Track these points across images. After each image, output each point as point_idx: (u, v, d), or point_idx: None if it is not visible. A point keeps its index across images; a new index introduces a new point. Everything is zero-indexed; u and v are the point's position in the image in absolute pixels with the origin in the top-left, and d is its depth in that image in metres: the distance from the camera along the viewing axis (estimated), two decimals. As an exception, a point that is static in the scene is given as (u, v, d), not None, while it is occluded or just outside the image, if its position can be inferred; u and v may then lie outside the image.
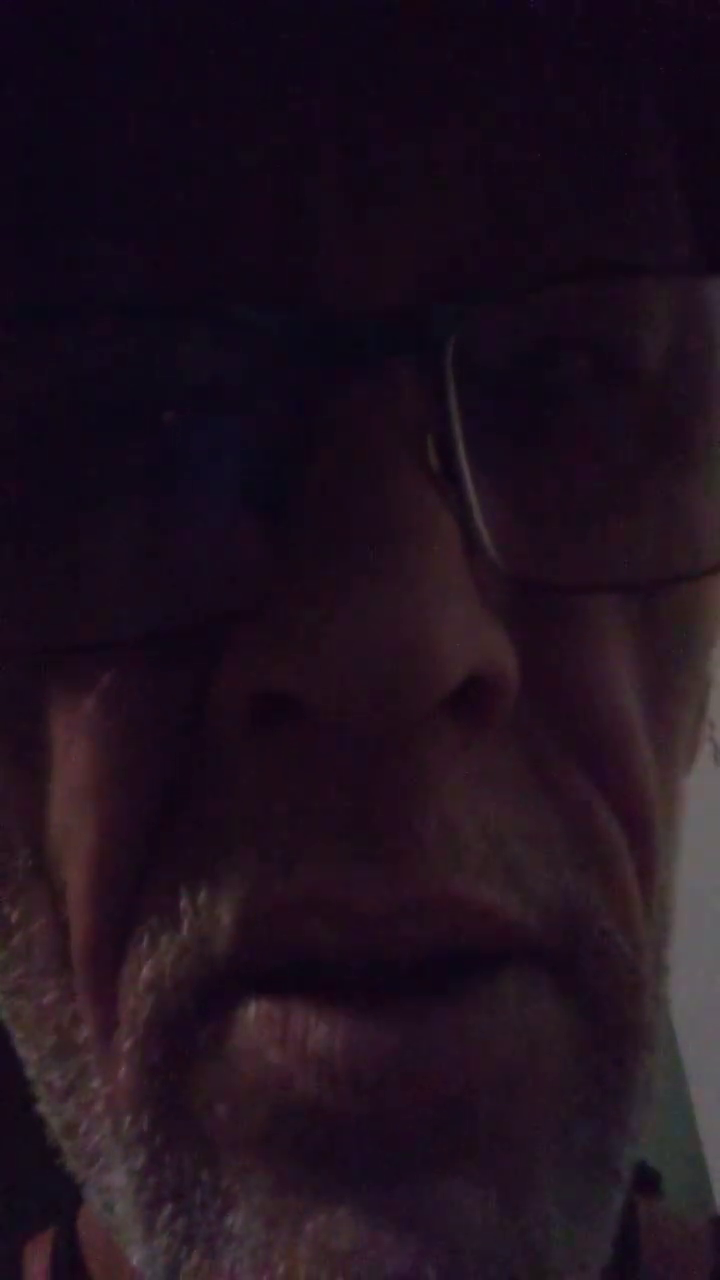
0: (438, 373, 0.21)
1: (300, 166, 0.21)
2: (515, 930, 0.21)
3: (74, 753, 0.22)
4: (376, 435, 0.21)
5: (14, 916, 0.23)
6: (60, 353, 0.22)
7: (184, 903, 0.21)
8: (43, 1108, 0.24)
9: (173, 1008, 0.21)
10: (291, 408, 0.21)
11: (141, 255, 0.21)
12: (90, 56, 0.21)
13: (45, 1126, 0.25)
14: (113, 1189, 0.22)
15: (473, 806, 0.21)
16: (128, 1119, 0.22)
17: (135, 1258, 0.22)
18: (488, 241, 0.22)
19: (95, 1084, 0.22)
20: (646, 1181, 0.33)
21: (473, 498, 0.21)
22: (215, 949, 0.21)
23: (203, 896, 0.21)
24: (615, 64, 0.22)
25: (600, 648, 0.23)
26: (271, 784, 0.21)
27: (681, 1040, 1.03)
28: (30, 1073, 0.24)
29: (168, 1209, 0.21)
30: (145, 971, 0.21)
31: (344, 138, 0.22)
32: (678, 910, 0.26)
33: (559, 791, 0.22)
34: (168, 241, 0.21)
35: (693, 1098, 1.05)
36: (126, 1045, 0.22)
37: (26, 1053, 0.24)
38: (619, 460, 0.24)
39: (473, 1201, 0.20)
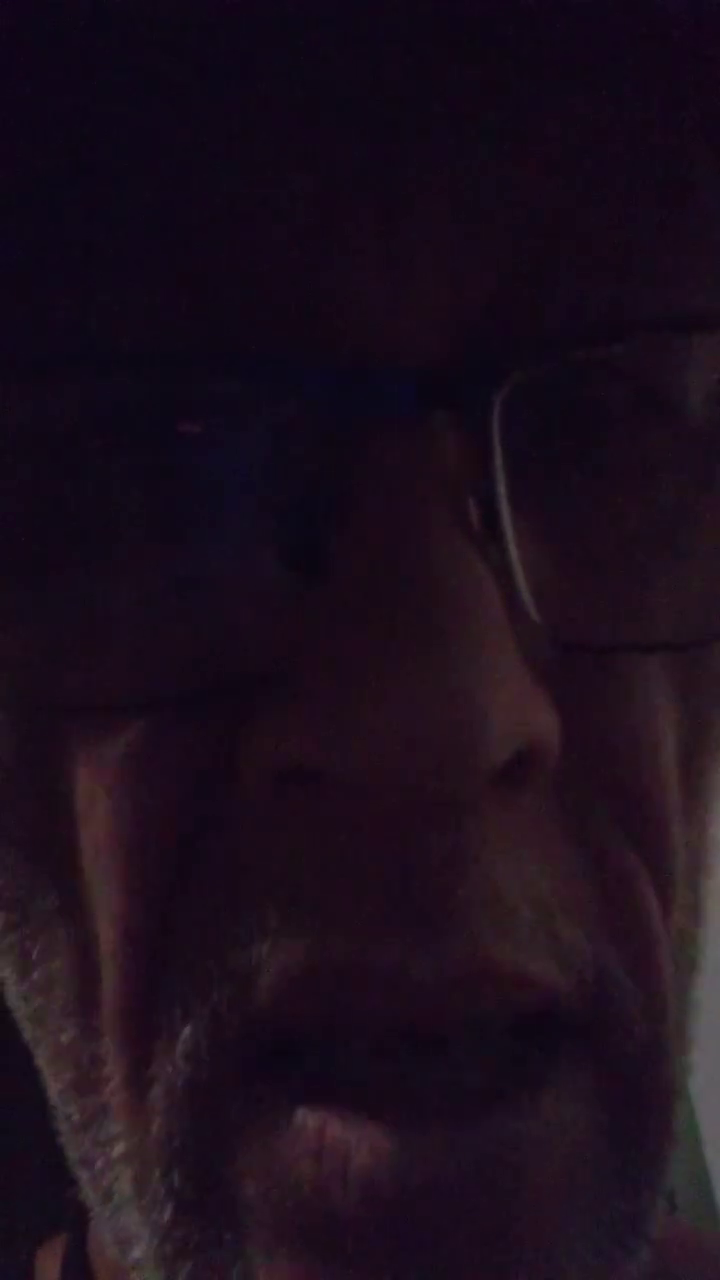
0: (482, 428, 0.20)
1: (331, 208, 0.21)
2: (556, 997, 0.21)
3: (97, 809, 0.22)
4: (416, 492, 0.20)
5: (34, 953, 0.23)
6: (88, 404, 0.21)
7: (215, 966, 0.21)
8: (62, 1136, 0.24)
9: (207, 1077, 0.21)
10: (327, 462, 0.20)
11: (172, 304, 0.21)
12: (112, 99, 0.20)
13: (54, 1135, 0.24)
14: (128, 1232, 0.22)
15: (516, 872, 0.21)
16: (157, 1172, 0.21)
17: None
18: (534, 295, 0.21)
19: (114, 1127, 0.22)
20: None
21: (515, 559, 0.20)
22: (252, 1017, 0.21)
23: (235, 959, 0.21)
24: (664, 95, 0.22)
25: (644, 704, 0.22)
26: (301, 848, 0.20)
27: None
28: (51, 1098, 0.24)
29: (189, 1265, 0.21)
30: (182, 1037, 0.21)
31: (378, 177, 0.21)
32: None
33: (598, 854, 0.22)
34: (197, 290, 0.21)
35: (699, 1114, 1.05)
36: (162, 1104, 0.21)
37: (48, 1079, 0.24)
38: (662, 509, 0.23)
39: None
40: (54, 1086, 0.24)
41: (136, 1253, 0.22)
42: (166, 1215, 0.21)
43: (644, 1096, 0.22)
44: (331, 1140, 0.20)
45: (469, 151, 0.21)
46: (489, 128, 0.21)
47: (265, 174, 0.21)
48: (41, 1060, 0.24)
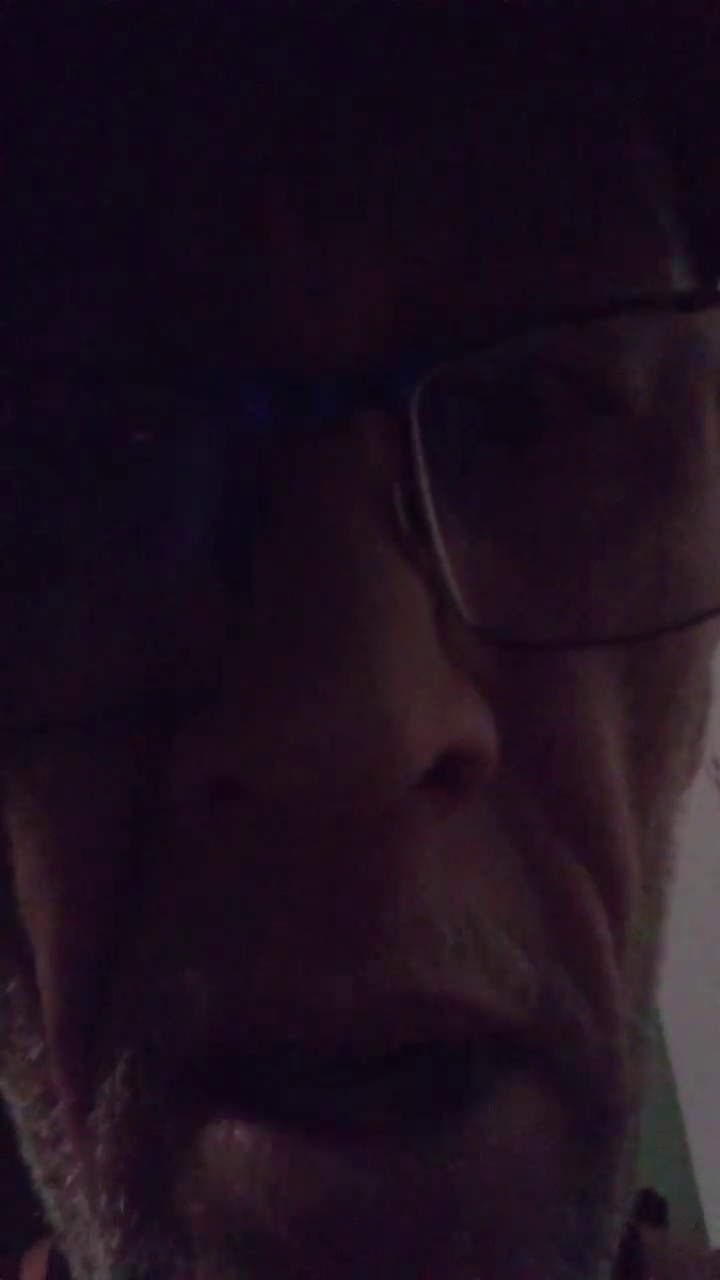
0: (403, 429, 0.20)
1: (249, 204, 0.20)
2: (491, 1019, 0.21)
3: (28, 834, 0.21)
4: (336, 499, 0.20)
5: None
6: (9, 420, 0.21)
7: (151, 992, 0.20)
8: (27, 1155, 0.24)
9: (145, 1103, 0.21)
10: (248, 473, 0.20)
11: (84, 315, 0.20)
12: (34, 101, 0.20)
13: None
14: (92, 1257, 0.22)
15: (448, 889, 0.20)
16: (104, 1198, 0.21)
17: None
18: (457, 284, 0.21)
19: (69, 1148, 0.22)
20: (653, 1210, 0.33)
21: (443, 557, 0.20)
22: (186, 1040, 0.20)
23: (168, 986, 0.20)
24: (600, 75, 0.21)
25: (586, 706, 0.22)
26: (231, 870, 0.20)
27: (675, 1061, 1.03)
28: (16, 1119, 0.24)
29: None
30: (122, 1062, 0.21)
31: (296, 171, 0.20)
32: (674, 929, 0.25)
33: (541, 868, 0.21)
34: (110, 298, 0.20)
35: (685, 1122, 1.05)
36: (103, 1129, 0.21)
37: (12, 1098, 0.24)
38: (603, 502, 0.22)
39: None
40: (20, 1104, 0.23)
41: (98, 1277, 0.22)
42: (116, 1240, 0.21)
43: (596, 1111, 0.22)
44: (264, 1162, 0.20)
45: (397, 137, 0.20)
46: (418, 114, 0.21)
47: (176, 174, 0.20)
48: (7, 1081, 0.24)
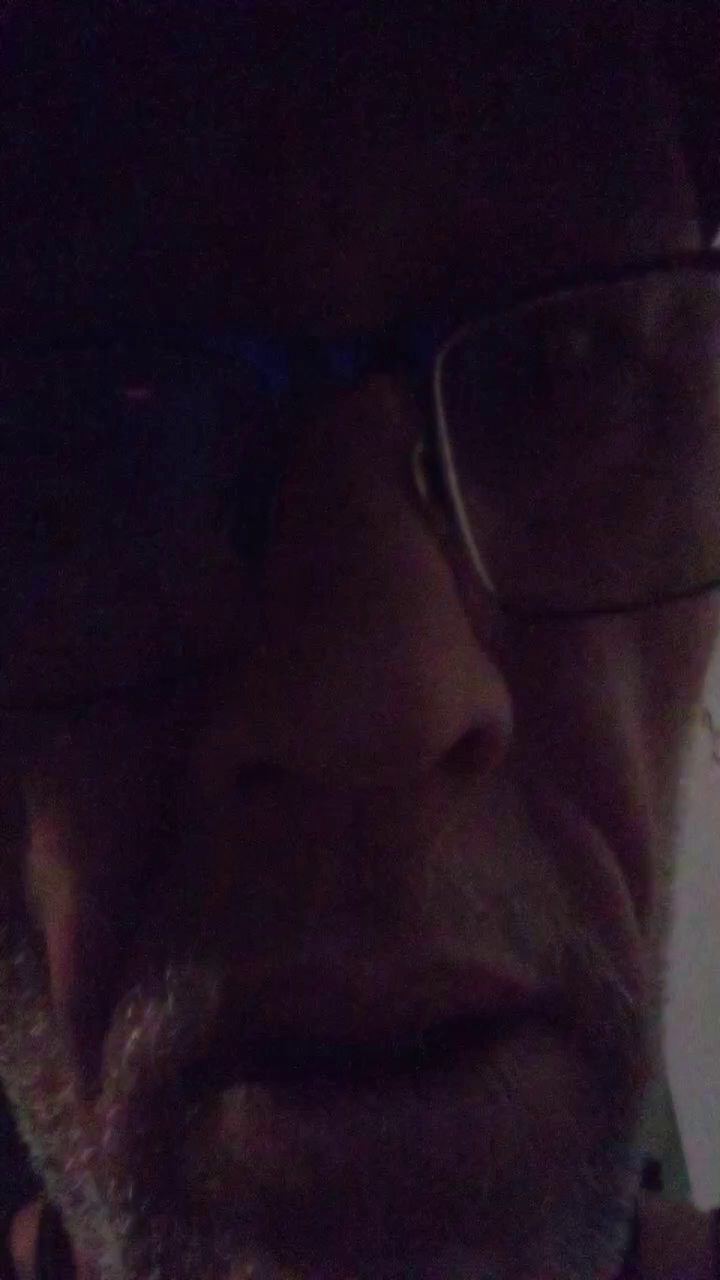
0: (424, 393, 0.19)
1: (267, 169, 0.20)
2: (516, 989, 0.21)
3: (48, 808, 0.21)
4: (354, 463, 0.19)
5: None
6: (16, 385, 0.20)
7: (169, 973, 0.20)
8: (25, 1135, 0.23)
9: (157, 1084, 0.21)
10: (262, 436, 0.20)
11: (84, 268, 0.20)
12: (44, 50, 0.19)
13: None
14: (98, 1235, 0.22)
15: (467, 857, 0.20)
16: (113, 1184, 0.21)
17: None
18: (480, 249, 0.20)
19: (76, 1132, 0.22)
20: (646, 1172, 0.33)
21: (464, 524, 0.20)
22: (202, 1024, 0.20)
23: (189, 967, 0.20)
24: (616, 37, 0.21)
25: (600, 673, 0.22)
26: (258, 849, 0.20)
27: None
28: (13, 1096, 0.23)
29: (156, 1272, 0.21)
30: (129, 1044, 0.20)
31: (318, 132, 0.20)
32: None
33: (556, 832, 0.21)
34: (111, 250, 0.20)
35: (671, 1086, 1.06)
36: (111, 1113, 0.21)
37: (10, 1076, 0.23)
38: (621, 462, 0.22)
39: (474, 1272, 0.20)
40: (20, 1083, 0.23)
41: (106, 1259, 0.22)
42: (126, 1227, 0.21)
43: (619, 1072, 0.22)
44: (283, 1115, 0.20)
45: (421, 103, 0.20)
46: (443, 80, 0.20)
47: (192, 131, 0.19)
48: (5, 1058, 0.23)
